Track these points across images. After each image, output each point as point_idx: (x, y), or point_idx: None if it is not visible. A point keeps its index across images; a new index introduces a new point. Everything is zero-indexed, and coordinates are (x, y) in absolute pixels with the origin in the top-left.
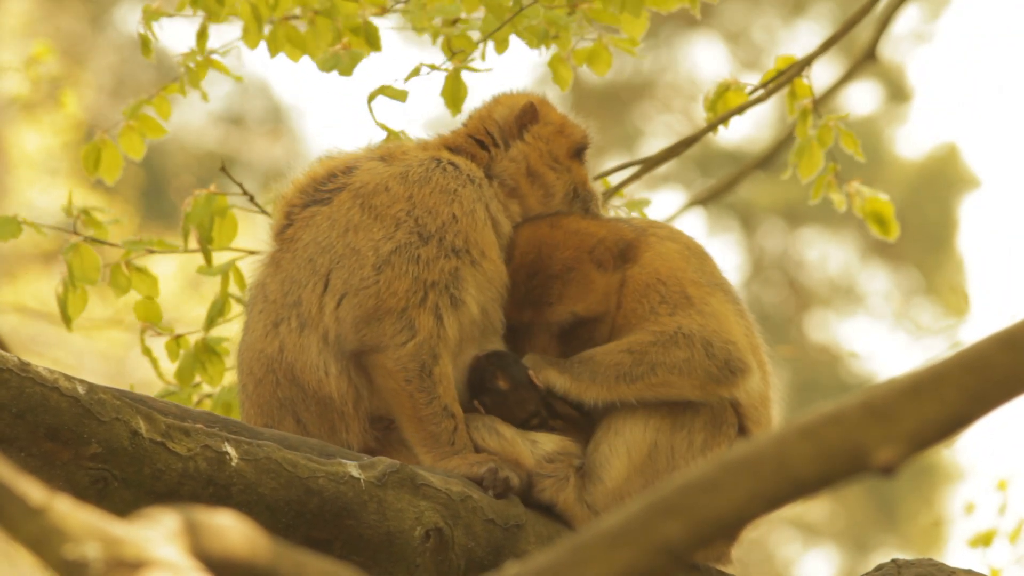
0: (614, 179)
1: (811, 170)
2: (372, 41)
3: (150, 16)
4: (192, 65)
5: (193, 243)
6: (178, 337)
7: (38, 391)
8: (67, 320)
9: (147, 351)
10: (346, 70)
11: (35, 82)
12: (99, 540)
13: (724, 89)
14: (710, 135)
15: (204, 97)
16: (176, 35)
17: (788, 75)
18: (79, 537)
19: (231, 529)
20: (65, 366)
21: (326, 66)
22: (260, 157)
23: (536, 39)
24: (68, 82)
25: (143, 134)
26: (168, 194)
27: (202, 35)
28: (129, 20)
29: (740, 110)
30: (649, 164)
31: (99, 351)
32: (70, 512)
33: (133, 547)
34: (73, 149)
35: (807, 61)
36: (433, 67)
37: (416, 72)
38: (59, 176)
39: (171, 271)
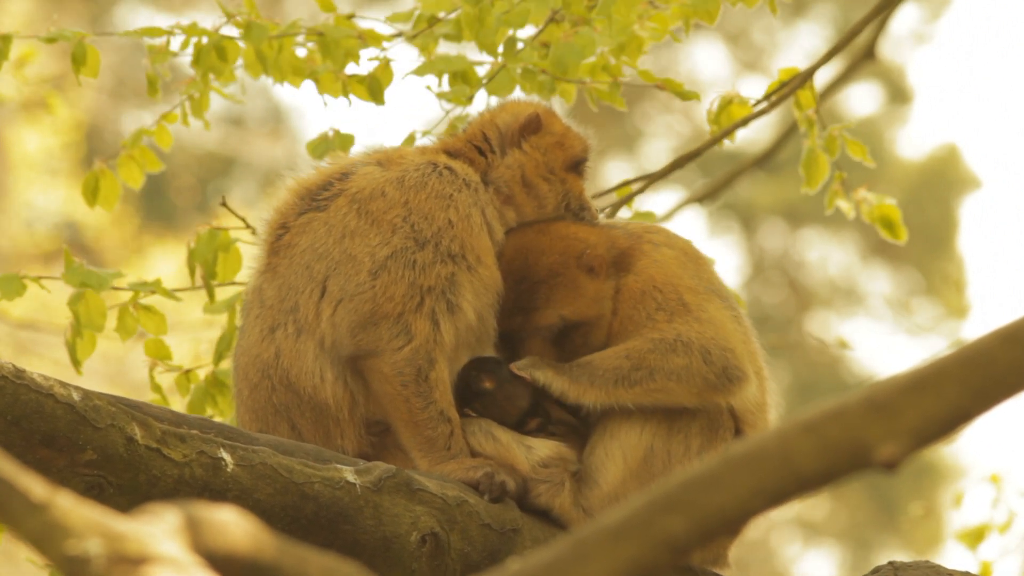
0: (613, 186)
1: (818, 179)
2: (375, 93)
3: (157, 57)
4: (196, 95)
5: (198, 280)
6: (188, 372)
7: (33, 398)
8: (76, 364)
9: (157, 388)
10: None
11: (32, 83)
12: (101, 536)
13: (728, 102)
14: (707, 133)
15: (206, 126)
16: (177, 38)
17: (791, 86)
18: (81, 533)
19: (233, 525)
20: (65, 367)
21: (316, 152)
22: (260, 158)
23: (544, 92)
24: (67, 82)
25: (142, 165)
26: (168, 194)
27: (204, 76)
28: (129, 20)
29: (744, 122)
30: (653, 178)
31: (99, 352)
32: (72, 508)
33: (135, 543)
34: (73, 150)
35: (810, 72)
36: (426, 132)
37: (411, 139)
38: (59, 176)
39: (172, 272)
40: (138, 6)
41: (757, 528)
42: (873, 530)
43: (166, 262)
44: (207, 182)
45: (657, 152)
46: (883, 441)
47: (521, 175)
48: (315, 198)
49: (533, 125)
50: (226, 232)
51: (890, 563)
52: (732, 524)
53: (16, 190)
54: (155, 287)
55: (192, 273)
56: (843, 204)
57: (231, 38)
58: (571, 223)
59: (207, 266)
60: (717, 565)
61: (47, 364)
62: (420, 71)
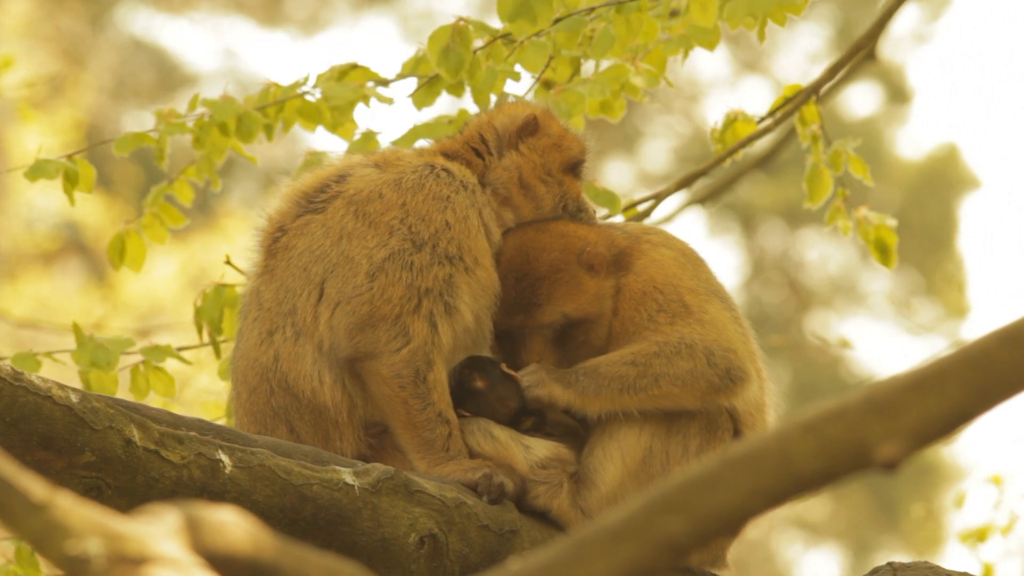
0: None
1: (822, 195)
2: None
3: (166, 130)
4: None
5: (206, 336)
6: None
7: (31, 400)
8: None
9: None
10: None
11: (33, 83)
12: (101, 536)
13: (732, 119)
14: (708, 135)
15: (215, 184)
16: (177, 35)
17: (796, 102)
18: (81, 533)
19: (233, 525)
20: (64, 368)
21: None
22: (260, 158)
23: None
24: (68, 82)
25: (165, 222)
26: None
27: (208, 156)
28: (129, 20)
29: (749, 141)
30: (661, 196)
31: None
32: (72, 508)
33: (135, 543)
34: (73, 150)
35: (814, 88)
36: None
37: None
38: (59, 177)
39: (172, 272)
40: (138, 5)
41: (757, 528)
42: (873, 531)
43: (166, 262)
44: (207, 183)
45: (657, 153)
46: (883, 441)
47: (518, 177)
48: (312, 200)
49: (530, 127)
50: (232, 288)
51: (889, 564)
52: (731, 525)
53: (16, 190)
54: (167, 352)
55: (200, 331)
56: (844, 223)
57: (230, 111)
58: (570, 222)
59: (213, 324)
60: (716, 566)
61: (46, 364)
62: (401, 142)
